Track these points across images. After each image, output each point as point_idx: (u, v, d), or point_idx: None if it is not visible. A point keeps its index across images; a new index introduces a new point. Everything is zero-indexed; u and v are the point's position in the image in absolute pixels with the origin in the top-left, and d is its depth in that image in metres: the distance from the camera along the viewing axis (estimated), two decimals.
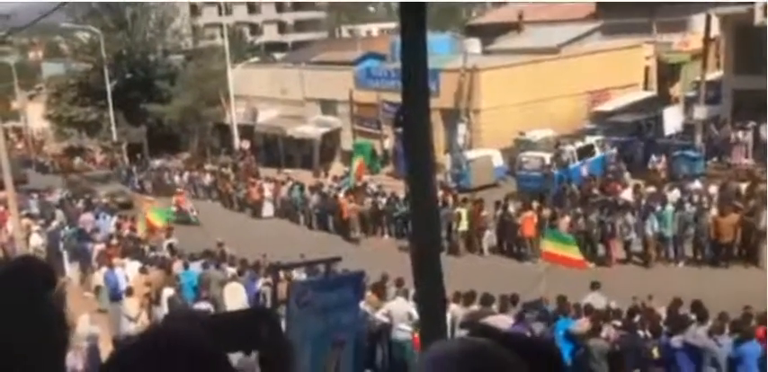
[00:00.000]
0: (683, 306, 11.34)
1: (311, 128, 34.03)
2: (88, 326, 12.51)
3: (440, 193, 19.97)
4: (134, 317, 13.51)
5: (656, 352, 10.05)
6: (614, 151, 24.79)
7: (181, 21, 49.64)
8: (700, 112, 25.01)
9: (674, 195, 19.21)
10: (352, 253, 16.07)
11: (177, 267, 16.27)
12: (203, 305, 12.77)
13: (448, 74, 27.80)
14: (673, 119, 26.29)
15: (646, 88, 32.04)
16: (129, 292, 14.16)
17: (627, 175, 22.97)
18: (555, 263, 13.91)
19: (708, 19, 25.50)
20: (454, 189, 24.13)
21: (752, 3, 23.61)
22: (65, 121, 47.25)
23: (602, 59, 29.68)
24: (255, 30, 68.09)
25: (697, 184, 20.12)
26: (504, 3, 46.30)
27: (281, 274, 12.09)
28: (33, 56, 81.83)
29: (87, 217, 24.44)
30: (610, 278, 15.72)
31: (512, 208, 19.67)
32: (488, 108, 28.07)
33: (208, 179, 32.79)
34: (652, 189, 20.05)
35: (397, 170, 27.20)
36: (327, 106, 34.65)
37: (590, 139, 25.25)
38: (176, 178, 34.49)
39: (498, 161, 26.31)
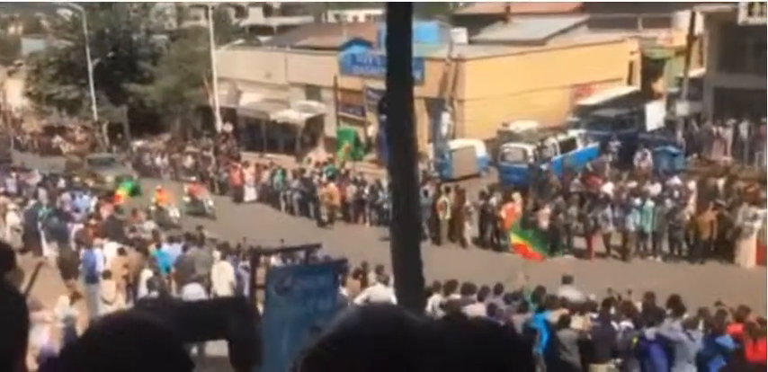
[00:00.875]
0: (659, 301, 11.48)
1: (295, 113, 33.87)
2: (67, 307, 12.43)
3: (422, 182, 20.02)
4: (110, 300, 13.39)
5: (631, 343, 10.19)
6: (596, 145, 24.94)
7: (165, 1, 49.13)
8: (681, 108, 25.23)
9: (654, 190, 19.38)
10: (332, 240, 16.07)
11: (155, 249, 16.22)
12: (195, 288, 12.68)
13: (433, 63, 27.75)
14: (655, 115, 26.47)
15: (629, 83, 32.20)
16: (107, 275, 14.05)
17: (608, 169, 23.12)
18: (521, 254, 14.83)
19: (692, 16, 25.70)
20: (437, 178, 24.18)
21: (736, 2, 23.76)
22: (45, 99, 46.63)
23: (587, 53, 29.77)
24: (241, 12, 67.44)
25: (677, 180, 20.31)
26: None
27: (261, 259, 12.07)
28: (13, 31, 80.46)
29: (66, 197, 24.23)
30: (588, 271, 15.89)
31: (493, 200, 19.75)
32: (473, 98, 28.08)
33: (189, 161, 32.58)
34: (633, 183, 20.20)
35: (381, 157, 27.18)
36: (312, 91, 34.50)
37: (572, 133, 25.37)
38: (157, 160, 34.24)
39: (481, 151, 26.35)
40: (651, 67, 33.01)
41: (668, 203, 18.03)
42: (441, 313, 10.12)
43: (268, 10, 75.29)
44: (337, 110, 33.33)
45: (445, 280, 12.29)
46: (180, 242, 16.77)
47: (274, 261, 14.21)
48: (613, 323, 10.64)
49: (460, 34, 33.31)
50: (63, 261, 16.27)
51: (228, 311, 1.44)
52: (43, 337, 10.57)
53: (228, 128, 36.18)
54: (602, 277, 14.91)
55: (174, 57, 40.25)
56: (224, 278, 14.16)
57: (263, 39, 49.90)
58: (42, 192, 25.24)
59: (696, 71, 27.22)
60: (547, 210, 18.56)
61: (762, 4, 23.21)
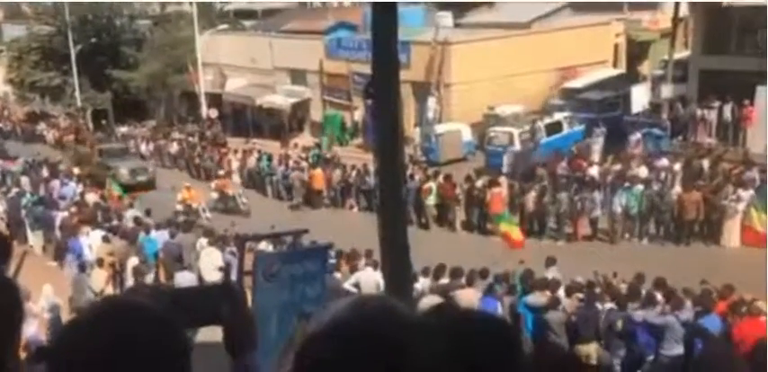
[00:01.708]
0: (646, 283, 11.57)
1: (280, 98, 33.69)
2: (51, 297, 12.36)
3: (408, 166, 20.04)
4: (98, 291, 13.21)
5: (615, 324, 10.28)
6: (582, 128, 24.98)
7: None
8: (666, 91, 25.28)
9: (641, 172, 19.46)
10: (319, 225, 16.05)
11: (142, 237, 16.14)
12: (187, 276, 12.62)
13: (419, 46, 27.63)
14: (640, 97, 26.50)
15: (615, 65, 32.19)
16: (100, 263, 13.90)
17: (594, 152, 23.18)
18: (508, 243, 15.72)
19: None
20: (423, 162, 24.17)
21: None
22: (27, 86, 46.16)
23: (572, 36, 29.71)
24: None
25: (665, 161, 20.40)
26: None
27: (248, 245, 12.05)
28: None
29: (52, 185, 24.05)
30: (574, 253, 15.99)
31: (479, 184, 19.76)
32: (459, 82, 28.01)
33: (174, 147, 32.37)
34: (619, 166, 20.27)
35: (367, 142, 27.12)
36: (297, 76, 34.29)
37: (558, 116, 25.39)
38: (142, 146, 34.00)
39: (467, 135, 26.35)
40: (636, 50, 33.01)
41: (655, 185, 18.12)
42: (430, 297, 10.16)
43: None
44: (323, 94, 33.18)
45: (434, 265, 12.36)
46: (166, 228, 16.72)
47: (263, 246, 14.19)
48: (597, 304, 10.75)
49: (446, 18, 33.13)
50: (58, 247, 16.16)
51: (219, 297, 1.45)
52: (30, 327, 10.53)
53: (214, 113, 35.95)
54: (589, 260, 15.00)
55: (158, 43, 39.85)
56: (211, 264, 14.13)
57: (247, 23, 49.44)
58: (25, 180, 25.02)
59: (681, 53, 27.26)
60: (533, 194, 18.61)
61: None
